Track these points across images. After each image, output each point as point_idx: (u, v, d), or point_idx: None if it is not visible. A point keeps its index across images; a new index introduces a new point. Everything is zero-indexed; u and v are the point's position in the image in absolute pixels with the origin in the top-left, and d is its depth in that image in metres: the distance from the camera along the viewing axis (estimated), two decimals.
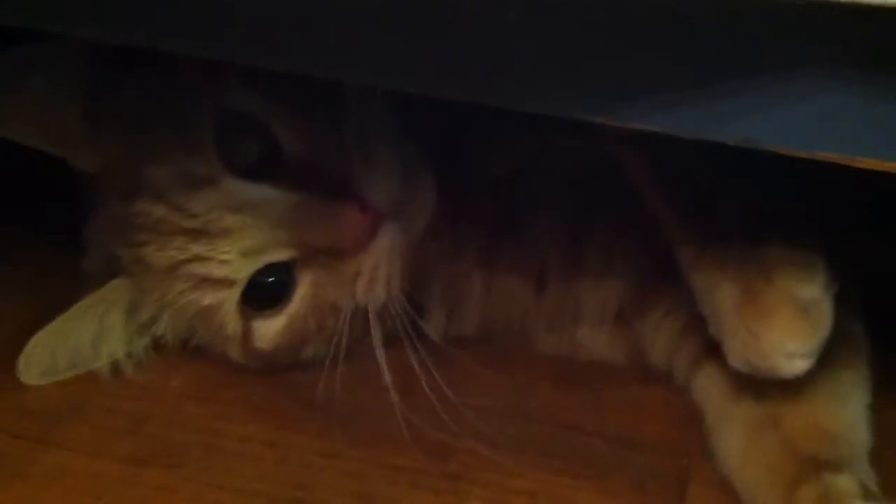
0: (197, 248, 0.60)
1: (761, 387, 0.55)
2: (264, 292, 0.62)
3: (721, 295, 0.53)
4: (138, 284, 0.64)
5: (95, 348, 0.65)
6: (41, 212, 0.76)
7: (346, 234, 0.58)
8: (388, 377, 0.61)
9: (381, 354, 0.61)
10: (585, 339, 0.67)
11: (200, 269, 0.60)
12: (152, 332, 0.66)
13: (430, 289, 0.67)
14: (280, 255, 0.61)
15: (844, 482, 0.51)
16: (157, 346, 0.67)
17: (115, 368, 0.66)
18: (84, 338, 0.64)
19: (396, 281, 0.61)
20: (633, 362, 0.66)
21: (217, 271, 0.60)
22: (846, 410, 0.56)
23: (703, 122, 0.39)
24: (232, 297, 0.62)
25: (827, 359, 0.52)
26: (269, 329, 0.63)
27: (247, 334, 0.63)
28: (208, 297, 0.62)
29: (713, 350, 0.57)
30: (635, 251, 0.64)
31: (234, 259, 0.60)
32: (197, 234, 0.60)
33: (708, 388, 0.60)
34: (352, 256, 0.60)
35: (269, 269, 0.61)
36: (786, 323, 0.51)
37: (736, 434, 0.57)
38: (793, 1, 0.33)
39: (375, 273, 0.60)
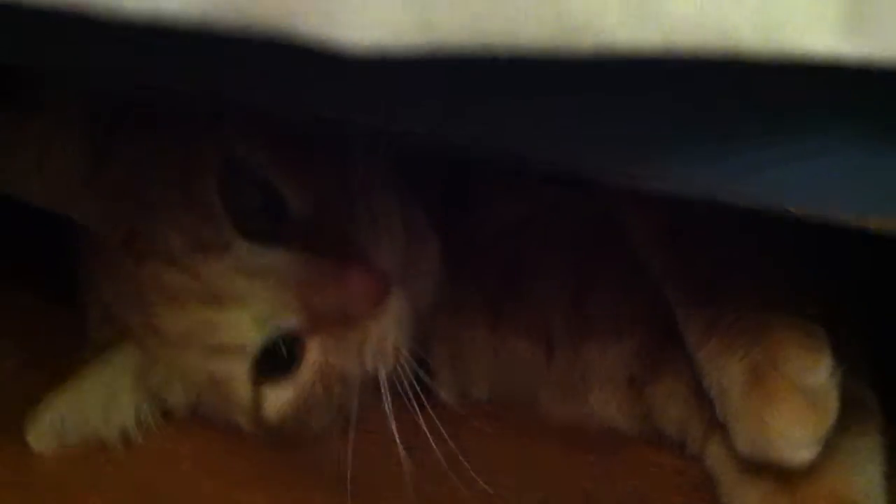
0: (209, 315, 0.59)
1: None
2: (275, 360, 0.61)
3: (727, 379, 0.54)
4: (148, 350, 0.63)
5: (105, 417, 0.64)
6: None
7: (355, 299, 0.57)
8: (399, 446, 0.60)
9: (392, 422, 0.60)
10: (597, 406, 0.66)
11: (213, 336, 0.60)
12: (162, 400, 0.66)
13: (437, 351, 0.66)
14: (289, 320, 0.60)
15: None
16: (166, 412, 0.67)
17: (125, 436, 0.66)
18: (94, 405, 0.64)
19: (405, 347, 0.61)
20: (646, 429, 0.65)
21: (230, 339, 0.60)
22: (862, 478, 0.55)
23: (715, 184, 0.39)
24: (244, 365, 0.61)
25: (841, 426, 0.52)
26: (280, 397, 0.62)
27: (257, 403, 0.62)
28: (221, 366, 0.61)
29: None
30: (643, 314, 0.63)
31: (247, 326, 0.59)
32: (209, 300, 0.59)
33: (722, 456, 0.60)
34: (360, 322, 0.59)
35: (279, 335, 0.60)
36: (792, 412, 0.51)
37: None
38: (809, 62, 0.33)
39: (384, 341, 0.59)
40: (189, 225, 0.58)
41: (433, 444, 0.59)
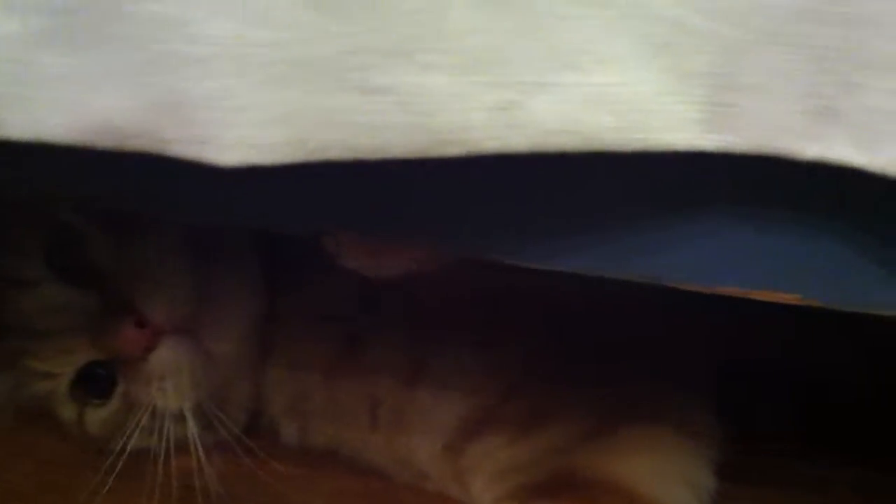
0: (26, 344, 0.66)
1: None
2: (92, 383, 0.67)
3: None
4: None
5: None
6: None
7: (123, 344, 0.63)
8: (196, 477, 0.65)
9: (199, 455, 0.65)
10: (425, 467, 0.68)
11: (31, 362, 0.67)
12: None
13: (276, 399, 0.71)
14: (94, 353, 0.66)
15: None
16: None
17: None
18: None
19: (190, 390, 0.65)
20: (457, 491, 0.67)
21: (43, 367, 0.67)
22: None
23: (606, 261, 0.41)
24: (61, 387, 0.67)
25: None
26: (98, 417, 0.68)
27: (80, 419, 0.68)
28: (43, 386, 0.68)
29: (516, 498, 0.60)
30: (468, 390, 0.66)
31: (55, 355, 0.66)
32: (26, 331, 0.66)
33: None
34: (138, 364, 0.64)
35: (95, 364, 0.67)
36: None
37: None
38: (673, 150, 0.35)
39: (162, 382, 0.65)
40: (17, 265, 0.65)
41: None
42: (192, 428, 0.65)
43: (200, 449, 0.65)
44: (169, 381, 0.65)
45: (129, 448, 0.66)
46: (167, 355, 0.64)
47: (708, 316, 0.64)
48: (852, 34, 0.32)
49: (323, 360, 0.70)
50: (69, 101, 0.32)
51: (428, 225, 0.41)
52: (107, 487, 0.65)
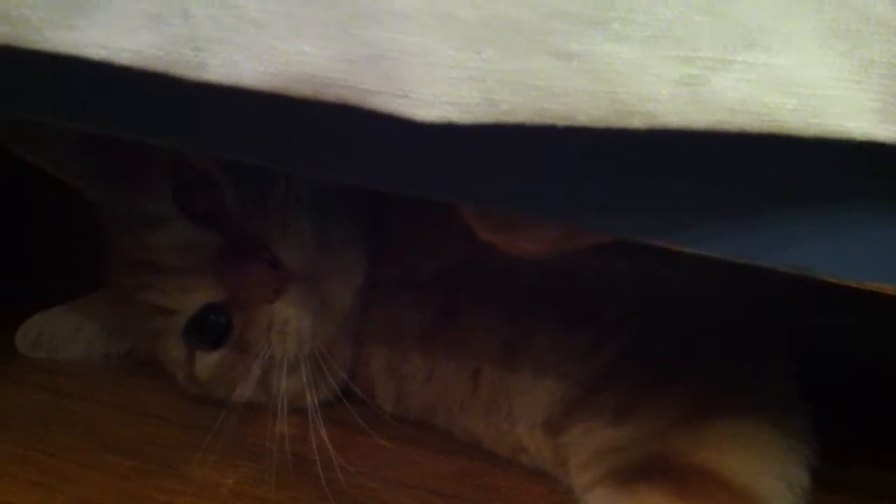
0: (149, 279, 0.68)
1: None
2: (206, 327, 0.69)
3: None
4: (114, 299, 0.73)
5: (73, 340, 0.75)
6: None
7: (252, 286, 0.65)
8: (314, 438, 0.65)
9: (313, 414, 0.66)
10: (524, 440, 0.68)
11: (151, 297, 0.68)
12: (119, 342, 0.75)
13: (373, 365, 0.72)
14: (213, 295, 0.67)
15: None
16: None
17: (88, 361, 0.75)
18: (66, 329, 0.75)
19: (309, 338, 0.66)
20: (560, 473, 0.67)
21: (162, 301, 0.68)
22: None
23: (756, 249, 0.41)
24: (176, 325, 0.69)
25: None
26: (207, 361, 0.69)
27: (189, 362, 0.70)
28: (158, 323, 0.69)
29: (612, 479, 0.60)
30: (568, 370, 0.66)
31: (176, 292, 0.68)
32: (150, 266, 0.67)
33: None
34: (261, 307, 0.66)
35: (211, 308, 0.68)
36: None
37: None
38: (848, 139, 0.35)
39: (285, 327, 0.66)
40: (144, 203, 0.67)
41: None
42: (307, 380, 0.67)
43: (316, 403, 0.66)
44: (291, 328, 0.66)
45: (239, 400, 0.67)
46: (294, 299, 0.66)
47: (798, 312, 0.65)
48: None
49: (422, 324, 0.70)
50: (270, 47, 0.33)
51: (569, 203, 0.41)
52: (216, 445, 0.65)
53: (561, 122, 0.33)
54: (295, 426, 0.67)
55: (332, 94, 0.33)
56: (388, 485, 0.65)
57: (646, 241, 0.42)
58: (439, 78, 0.32)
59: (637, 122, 0.33)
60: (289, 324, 0.66)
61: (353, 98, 0.32)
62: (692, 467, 0.60)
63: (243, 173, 0.66)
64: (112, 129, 0.41)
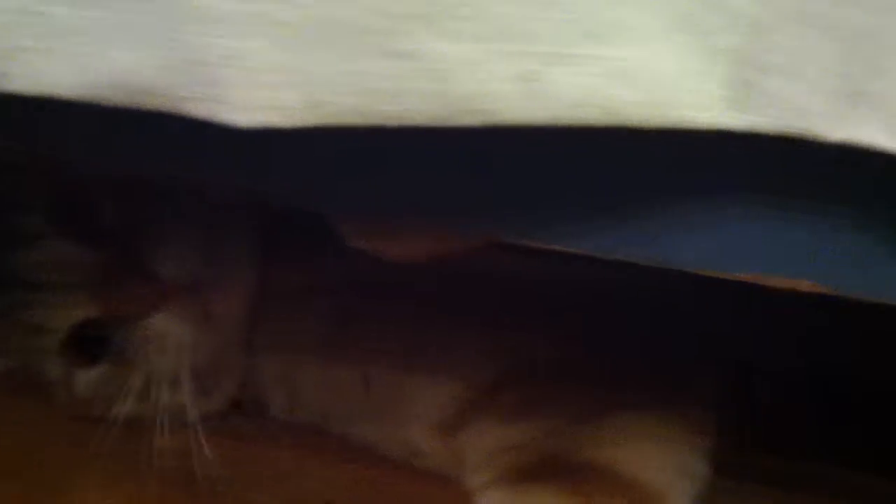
0: (25, 296, 0.66)
1: None
2: (84, 344, 0.67)
3: None
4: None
5: None
6: None
7: (128, 300, 0.64)
8: (194, 455, 0.63)
9: (195, 424, 0.65)
10: (419, 444, 0.67)
11: (27, 315, 0.67)
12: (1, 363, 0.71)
13: (267, 372, 0.71)
14: (91, 311, 0.66)
15: None
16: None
17: None
18: None
19: (190, 351, 0.65)
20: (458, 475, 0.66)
21: (39, 319, 0.67)
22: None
23: (621, 243, 0.40)
24: (54, 343, 0.67)
25: None
26: (86, 377, 0.68)
27: (68, 379, 0.68)
28: (36, 342, 0.68)
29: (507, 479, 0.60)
30: (462, 371, 0.66)
31: (52, 309, 0.66)
32: (27, 285, 0.66)
33: None
34: (138, 322, 0.65)
35: (89, 323, 0.66)
36: None
37: None
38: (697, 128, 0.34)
39: (164, 340, 0.65)
40: (18, 220, 0.66)
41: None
42: (188, 393, 0.65)
43: (198, 416, 0.64)
44: (170, 341, 0.65)
45: (120, 416, 0.65)
46: (173, 313, 0.65)
47: (708, 312, 0.65)
48: (884, 18, 0.32)
49: (315, 331, 0.70)
50: (82, 54, 0.31)
51: (439, 207, 0.41)
52: (97, 464, 0.64)
53: (394, 123, 0.32)
54: (180, 440, 0.65)
55: (148, 101, 0.31)
56: (282, 498, 0.64)
57: (510, 240, 0.41)
58: (259, 82, 0.30)
59: (473, 120, 0.32)
60: (167, 338, 0.65)
61: (169, 105, 0.31)
62: (588, 464, 0.60)
63: (121, 188, 0.65)
64: None
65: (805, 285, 0.38)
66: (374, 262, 0.64)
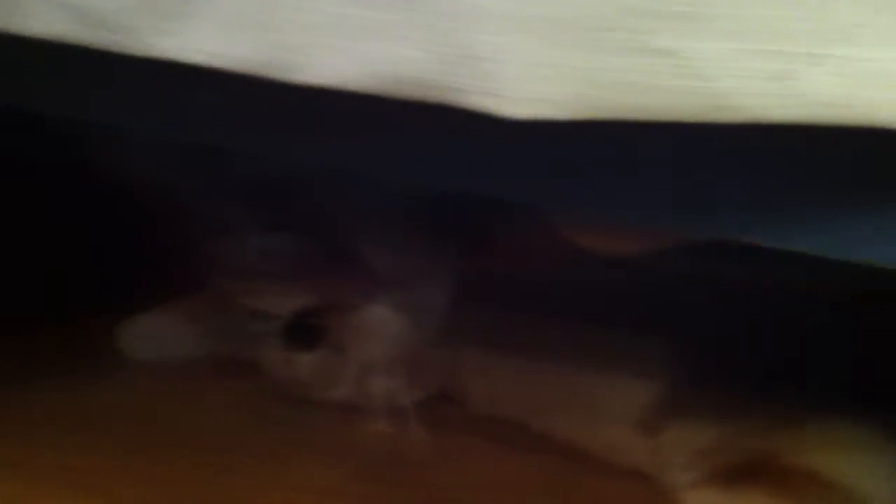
0: (247, 284, 0.71)
1: None
2: (302, 330, 0.71)
3: None
4: (211, 302, 0.75)
5: (174, 342, 0.75)
6: None
7: (346, 291, 0.69)
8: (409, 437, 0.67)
9: (407, 413, 0.68)
10: (618, 441, 0.68)
11: (250, 301, 0.71)
12: (223, 345, 0.75)
13: (468, 365, 0.73)
14: (309, 299, 0.70)
15: None
16: None
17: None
18: (167, 331, 0.76)
19: (401, 340, 0.69)
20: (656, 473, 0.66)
21: (261, 305, 0.71)
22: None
23: (850, 244, 0.40)
24: (274, 328, 0.72)
25: None
26: (305, 362, 0.72)
27: (287, 363, 0.72)
28: (257, 326, 0.72)
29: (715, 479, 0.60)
30: (664, 371, 0.66)
31: (273, 297, 0.71)
32: (248, 272, 0.70)
33: None
34: (355, 310, 0.69)
35: (307, 311, 0.71)
36: None
37: None
38: None
39: (378, 329, 0.69)
40: (240, 213, 0.71)
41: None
42: (398, 380, 0.69)
43: (406, 403, 0.68)
44: (383, 330, 0.69)
45: (335, 400, 0.69)
46: (385, 304, 0.69)
47: None
48: None
49: (514, 325, 0.71)
50: (368, 51, 0.34)
51: (659, 204, 0.41)
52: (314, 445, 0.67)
53: (653, 118, 0.33)
54: (391, 425, 0.68)
55: (427, 94, 0.33)
56: (480, 484, 0.66)
57: (739, 239, 0.42)
58: (531, 76, 0.32)
59: (728, 117, 0.33)
60: (380, 326, 0.69)
61: (447, 98, 0.33)
62: (796, 468, 0.60)
63: (334, 184, 0.68)
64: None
65: None
66: (570, 259, 0.66)
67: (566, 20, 0.32)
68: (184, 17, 0.34)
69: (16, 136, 0.64)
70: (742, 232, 0.42)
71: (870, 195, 0.39)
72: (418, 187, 0.65)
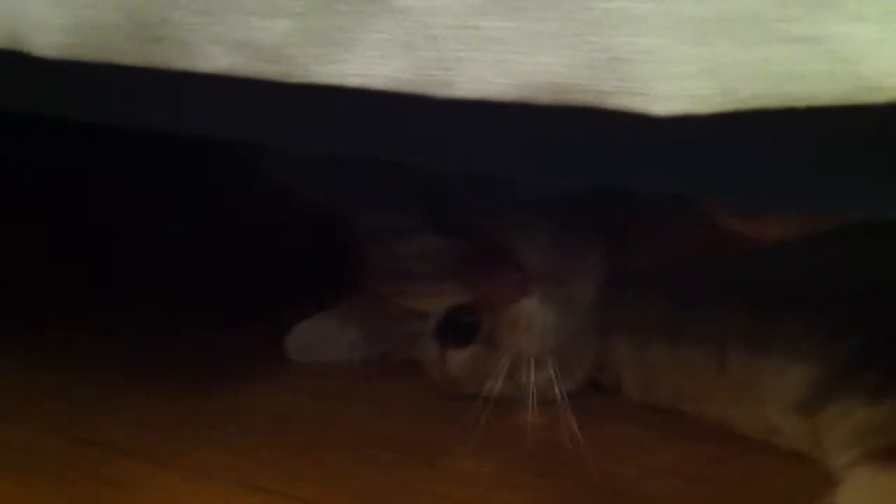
0: (402, 285, 0.74)
1: None
2: (456, 327, 0.74)
3: None
4: (369, 305, 0.78)
5: (336, 344, 0.81)
6: None
7: (498, 288, 0.70)
8: (564, 428, 0.68)
9: (561, 404, 0.69)
10: (776, 423, 0.67)
11: (405, 302, 0.74)
12: (381, 346, 0.79)
13: (619, 356, 0.74)
14: (461, 297, 0.72)
15: None
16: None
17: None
18: (329, 334, 0.81)
19: (553, 333, 0.70)
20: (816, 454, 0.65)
21: (415, 305, 0.74)
22: None
23: None
24: (429, 327, 0.74)
25: None
26: (458, 358, 0.74)
27: (442, 360, 0.75)
28: (412, 326, 0.75)
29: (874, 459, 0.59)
30: (818, 352, 0.65)
31: (427, 296, 0.73)
32: (403, 274, 0.73)
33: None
34: (505, 308, 0.70)
35: (459, 309, 0.73)
36: None
37: None
38: None
39: (530, 323, 0.70)
40: (398, 219, 0.73)
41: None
42: (552, 373, 0.70)
43: (563, 393, 0.69)
44: (535, 325, 0.70)
45: (490, 394, 0.71)
46: (538, 298, 0.70)
47: None
48: None
49: (664, 312, 0.72)
50: (511, 61, 0.35)
51: (810, 190, 0.41)
52: (470, 437, 0.69)
53: (802, 104, 0.33)
54: (545, 416, 0.70)
55: (572, 98, 0.35)
56: (641, 471, 0.66)
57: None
58: (675, 73, 0.33)
59: (881, 97, 0.33)
60: (534, 320, 0.70)
61: (592, 100, 0.34)
62: None
63: (481, 185, 0.70)
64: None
65: None
66: (712, 244, 0.67)
67: (704, 17, 0.33)
68: (346, 45, 0.36)
69: (182, 148, 0.67)
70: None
71: None
72: (566, 185, 0.67)
